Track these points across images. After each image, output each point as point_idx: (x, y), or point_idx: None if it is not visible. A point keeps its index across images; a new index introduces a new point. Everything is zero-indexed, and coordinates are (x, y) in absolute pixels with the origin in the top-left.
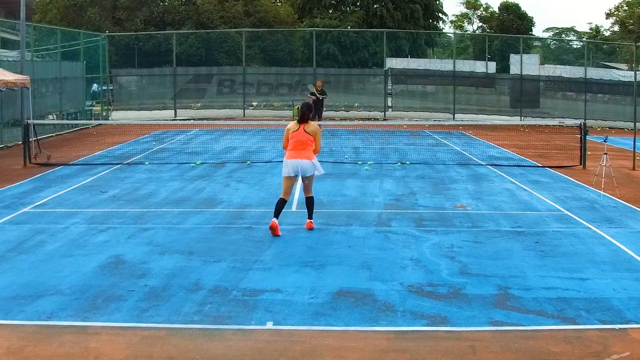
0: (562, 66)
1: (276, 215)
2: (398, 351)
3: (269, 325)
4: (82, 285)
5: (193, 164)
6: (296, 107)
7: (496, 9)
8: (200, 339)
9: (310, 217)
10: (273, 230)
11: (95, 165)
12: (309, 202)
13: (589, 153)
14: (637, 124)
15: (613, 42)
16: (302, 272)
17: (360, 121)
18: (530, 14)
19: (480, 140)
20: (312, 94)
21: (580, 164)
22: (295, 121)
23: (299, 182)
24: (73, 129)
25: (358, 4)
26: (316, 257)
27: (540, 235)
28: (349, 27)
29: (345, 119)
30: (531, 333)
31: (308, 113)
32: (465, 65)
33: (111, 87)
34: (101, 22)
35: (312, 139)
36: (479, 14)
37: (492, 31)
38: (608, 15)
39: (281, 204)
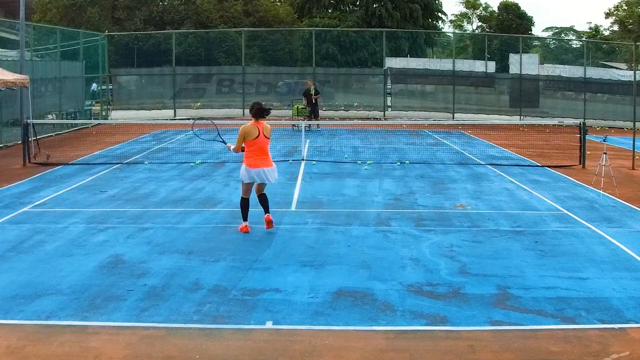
0: (562, 66)
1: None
2: (397, 351)
3: (269, 324)
4: (81, 285)
5: (192, 164)
6: (295, 106)
7: (496, 9)
8: (199, 339)
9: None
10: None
11: (95, 165)
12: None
13: (588, 152)
14: (636, 123)
15: (612, 42)
16: (302, 271)
17: (360, 121)
18: (529, 13)
19: (480, 140)
20: (307, 94)
21: (580, 164)
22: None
23: (299, 181)
24: (72, 129)
25: (357, 3)
26: (315, 257)
27: (540, 234)
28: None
29: (344, 118)
30: (530, 333)
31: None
32: (465, 65)
33: (110, 87)
34: (101, 21)
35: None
36: (478, 14)
37: (492, 31)
38: (607, 15)
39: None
